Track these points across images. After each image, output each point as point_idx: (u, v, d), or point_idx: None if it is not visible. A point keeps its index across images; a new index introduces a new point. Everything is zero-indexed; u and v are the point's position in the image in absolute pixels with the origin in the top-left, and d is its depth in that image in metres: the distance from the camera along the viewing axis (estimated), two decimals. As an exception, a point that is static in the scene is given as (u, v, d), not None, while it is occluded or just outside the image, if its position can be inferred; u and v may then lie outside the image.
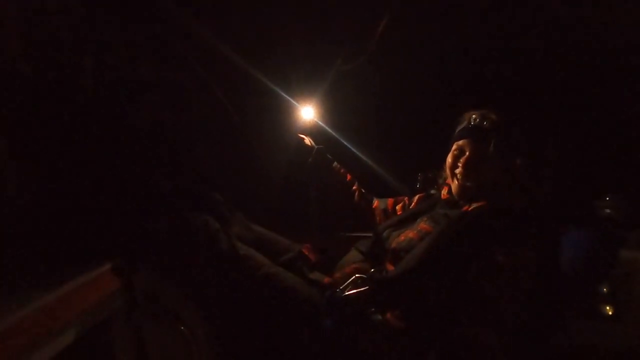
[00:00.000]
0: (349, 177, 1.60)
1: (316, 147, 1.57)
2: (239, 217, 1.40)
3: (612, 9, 2.00)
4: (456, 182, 1.33)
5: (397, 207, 1.58)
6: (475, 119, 1.32)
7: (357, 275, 1.25)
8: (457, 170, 1.32)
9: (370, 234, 1.48)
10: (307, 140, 1.59)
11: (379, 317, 1.21)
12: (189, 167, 1.61)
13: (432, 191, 1.85)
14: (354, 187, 1.60)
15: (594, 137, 2.18)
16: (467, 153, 1.31)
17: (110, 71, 1.56)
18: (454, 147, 1.35)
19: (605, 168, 2.12)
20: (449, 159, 1.36)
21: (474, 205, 1.31)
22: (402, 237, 1.35)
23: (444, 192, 1.42)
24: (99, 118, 1.51)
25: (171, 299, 1.14)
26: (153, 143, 1.56)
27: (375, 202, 1.61)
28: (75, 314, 1.05)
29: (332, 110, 1.75)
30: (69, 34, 1.50)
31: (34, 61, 1.37)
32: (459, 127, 1.37)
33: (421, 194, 1.58)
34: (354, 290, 1.21)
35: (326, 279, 1.32)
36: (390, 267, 1.31)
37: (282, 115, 1.64)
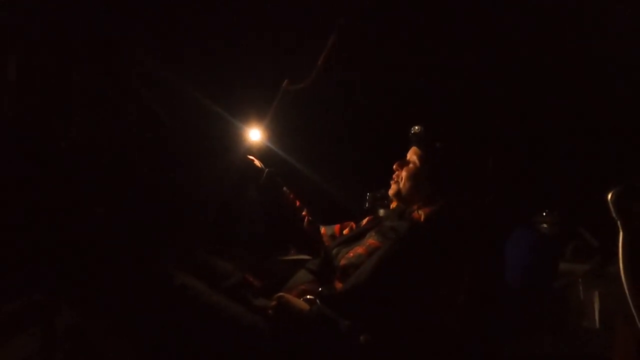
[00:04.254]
0: (297, 202, 1.59)
1: (266, 169, 1.54)
2: (178, 241, 1.33)
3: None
4: (393, 185, 1.43)
5: (344, 232, 1.58)
6: (414, 128, 1.44)
7: (304, 297, 1.22)
8: (395, 174, 1.44)
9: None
10: (256, 162, 1.56)
11: (329, 339, 1.19)
12: (124, 189, 1.53)
13: (381, 211, 1.88)
14: (303, 213, 1.59)
15: (532, 153, 2.30)
16: (408, 158, 1.43)
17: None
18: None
19: (541, 185, 2.23)
20: (395, 166, 1.46)
21: (421, 212, 1.36)
22: (351, 254, 1.35)
23: (393, 204, 1.51)
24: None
25: (97, 334, 1.04)
26: (89, 165, 1.48)
27: (322, 230, 1.61)
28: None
29: (280, 132, 1.74)
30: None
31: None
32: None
33: (370, 217, 1.60)
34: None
35: (272, 305, 1.27)
36: (339, 285, 1.30)
37: (228, 137, 1.61)
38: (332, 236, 1.60)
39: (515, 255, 1.36)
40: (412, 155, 1.42)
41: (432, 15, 2.15)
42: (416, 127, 1.42)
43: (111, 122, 1.65)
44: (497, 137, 2.18)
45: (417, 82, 2.27)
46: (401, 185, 1.41)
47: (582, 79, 2.20)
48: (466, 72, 2.26)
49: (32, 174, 1.31)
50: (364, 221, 1.58)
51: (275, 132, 1.65)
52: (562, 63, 2.21)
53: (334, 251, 1.42)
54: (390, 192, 1.44)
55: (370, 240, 1.37)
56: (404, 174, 1.40)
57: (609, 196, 0.96)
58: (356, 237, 1.45)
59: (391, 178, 1.47)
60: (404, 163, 1.43)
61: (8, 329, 0.98)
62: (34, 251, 1.03)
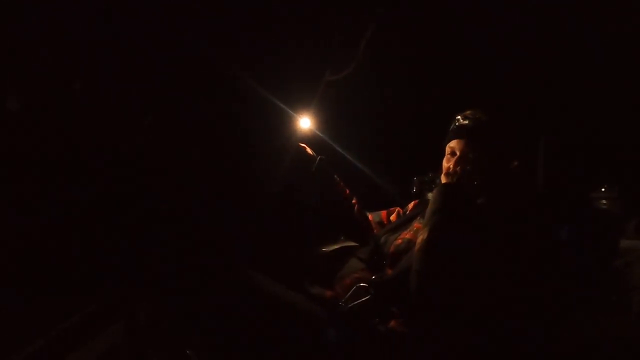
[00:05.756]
0: (347, 190, 1.61)
1: (318, 157, 1.55)
2: (242, 234, 1.39)
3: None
4: (449, 180, 1.36)
5: (391, 218, 1.59)
6: (461, 119, 1.37)
7: (358, 285, 1.26)
8: (451, 171, 1.35)
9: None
10: (308, 150, 1.57)
11: (384, 326, 1.22)
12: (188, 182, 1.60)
13: (429, 195, 1.87)
14: (353, 201, 1.60)
15: (587, 129, 2.19)
16: (458, 152, 1.35)
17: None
18: (447, 149, 1.40)
19: (599, 160, 2.13)
20: (444, 163, 1.40)
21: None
22: (399, 240, 1.36)
23: None
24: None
25: (174, 323, 1.14)
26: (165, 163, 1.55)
27: (370, 216, 1.63)
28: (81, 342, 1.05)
29: (328, 120, 1.75)
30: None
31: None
32: (450, 129, 1.41)
33: (415, 201, 1.59)
34: (357, 301, 1.22)
35: (328, 293, 1.32)
36: (390, 272, 1.32)
37: (280, 125, 1.63)
38: (380, 223, 1.61)
39: (574, 233, 1.33)
40: (461, 146, 1.35)
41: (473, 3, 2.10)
42: (463, 117, 1.37)
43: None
44: (552, 110, 2.11)
45: (461, 68, 2.22)
46: (457, 179, 1.34)
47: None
48: (515, 51, 2.18)
49: (112, 171, 1.40)
50: (410, 206, 1.58)
51: (322, 120, 1.67)
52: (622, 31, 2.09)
53: (382, 239, 1.44)
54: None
55: (417, 224, 1.38)
56: (458, 167, 1.34)
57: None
58: (403, 223, 1.46)
59: (437, 162, 1.45)
60: (453, 155, 1.36)
61: (95, 321, 1.08)
62: (115, 247, 1.13)
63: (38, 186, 1.43)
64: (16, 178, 1.41)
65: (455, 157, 1.36)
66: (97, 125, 1.58)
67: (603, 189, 1.89)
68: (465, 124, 1.36)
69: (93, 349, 1.06)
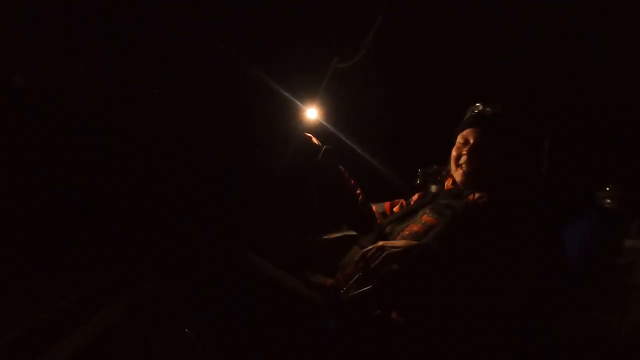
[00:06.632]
0: (352, 180, 1.61)
1: (324, 146, 1.55)
2: (246, 219, 1.39)
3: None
4: (460, 171, 1.35)
5: (395, 209, 1.58)
6: (478, 108, 1.36)
7: (360, 274, 1.25)
8: (462, 160, 1.34)
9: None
10: (314, 140, 1.57)
11: (385, 316, 1.21)
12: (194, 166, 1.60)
13: (433, 187, 1.86)
14: (357, 191, 1.60)
15: (592, 127, 2.18)
16: (472, 141, 1.34)
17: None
18: (458, 138, 1.39)
19: (604, 159, 2.12)
20: (454, 152, 1.39)
21: (477, 195, 1.32)
22: (407, 232, 1.35)
23: (448, 183, 1.45)
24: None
25: (175, 302, 1.14)
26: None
27: (373, 207, 1.62)
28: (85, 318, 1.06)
29: (336, 111, 1.75)
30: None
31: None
32: (463, 119, 1.40)
33: (419, 192, 1.59)
34: (358, 291, 1.21)
35: (329, 281, 1.31)
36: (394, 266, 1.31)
37: (286, 114, 1.64)
38: (383, 214, 1.61)
39: (578, 232, 1.32)
40: (475, 135, 1.34)
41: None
42: (480, 107, 1.36)
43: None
44: (557, 108, 2.10)
45: (470, 58, 2.21)
46: (468, 167, 1.33)
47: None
48: (520, 44, 2.17)
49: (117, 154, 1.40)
50: (414, 197, 1.58)
51: (327, 110, 1.67)
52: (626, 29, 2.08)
53: (388, 229, 1.43)
54: (459, 179, 1.36)
55: (425, 217, 1.36)
56: (469, 158, 1.33)
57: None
58: (409, 213, 1.45)
59: (442, 154, 1.44)
60: (465, 144, 1.35)
61: (97, 298, 1.09)
62: (117, 226, 1.13)
63: (36, 166, 1.42)
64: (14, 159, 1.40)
65: (468, 145, 1.34)
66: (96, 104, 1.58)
67: (607, 188, 1.88)
68: (484, 114, 1.35)
69: (93, 326, 1.06)
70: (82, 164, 1.40)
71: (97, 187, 1.35)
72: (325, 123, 1.64)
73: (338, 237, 1.56)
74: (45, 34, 1.54)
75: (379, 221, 1.57)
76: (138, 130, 1.56)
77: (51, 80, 1.49)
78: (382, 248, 1.19)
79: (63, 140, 1.42)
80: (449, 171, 1.44)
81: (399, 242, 1.23)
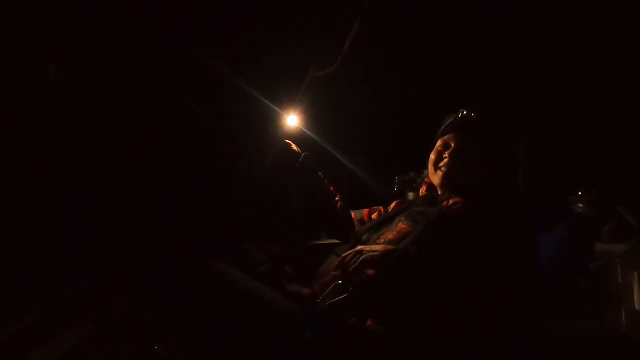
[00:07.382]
0: (331, 188, 1.60)
1: (303, 153, 1.55)
2: (217, 230, 1.37)
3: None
4: (440, 173, 1.36)
5: (373, 217, 1.58)
6: (463, 113, 1.38)
7: (336, 283, 1.24)
8: (442, 162, 1.36)
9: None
10: (294, 147, 1.57)
11: (361, 324, 1.21)
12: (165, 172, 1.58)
13: (410, 194, 1.87)
14: (337, 198, 1.60)
15: (564, 133, 2.23)
16: (454, 145, 1.35)
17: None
18: (439, 143, 1.40)
19: (576, 165, 2.17)
20: (433, 156, 1.40)
21: (452, 201, 1.33)
22: (382, 240, 1.35)
23: (423, 190, 1.46)
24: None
25: (144, 318, 1.11)
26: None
27: (353, 215, 1.62)
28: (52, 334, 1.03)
29: (315, 118, 1.75)
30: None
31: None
32: (445, 124, 1.41)
33: (397, 201, 1.59)
34: (335, 299, 1.20)
35: (305, 290, 1.30)
36: (370, 271, 1.31)
37: (266, 121, 1.63)
38: (361, 221, 1.61)
39: (551, 237, 1.34)
40: (458, 140, 1.35)
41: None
42: (465, 112, 1.38)
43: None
44: (530, 115, 2.14)
45: (446, 68, 2.24)
46: (448, 169, 1.34)
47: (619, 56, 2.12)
48: (496, 54, 2.21)
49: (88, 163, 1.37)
50: (392, 205, 1.58)
51: (308, 117, 1.66)
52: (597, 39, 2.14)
53: (364, 237, 1.43)
54: (437, 180, 1.38)
55: (401, 225, 1.37)
56: (450, 161, 1.34)
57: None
58: (385, 221, 1.45)
59: (419, 162, 1.45)
60: (445, 149, 1.37)
61: (65, 315, 1.05)
62: (87, 240, 1.10)
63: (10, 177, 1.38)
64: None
65: (450, 149, 1.35)
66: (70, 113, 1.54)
67: (580, 193, 1.92)
68: (468, 119, 1.36)
69: (60, 344, 1.03)
70: (48, 174, 1.36)
71: (63, 199, 1.32)
72: (305, 130, 1.64)
73: (315, 245, 1.55)
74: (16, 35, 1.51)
75: (357, 228, 1.58)
76: (107, 139, 1.53)
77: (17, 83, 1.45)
78: (361, 252, 1.19)
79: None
80: (424, 178, 1.45)
81: (377, 247, 1.24)
